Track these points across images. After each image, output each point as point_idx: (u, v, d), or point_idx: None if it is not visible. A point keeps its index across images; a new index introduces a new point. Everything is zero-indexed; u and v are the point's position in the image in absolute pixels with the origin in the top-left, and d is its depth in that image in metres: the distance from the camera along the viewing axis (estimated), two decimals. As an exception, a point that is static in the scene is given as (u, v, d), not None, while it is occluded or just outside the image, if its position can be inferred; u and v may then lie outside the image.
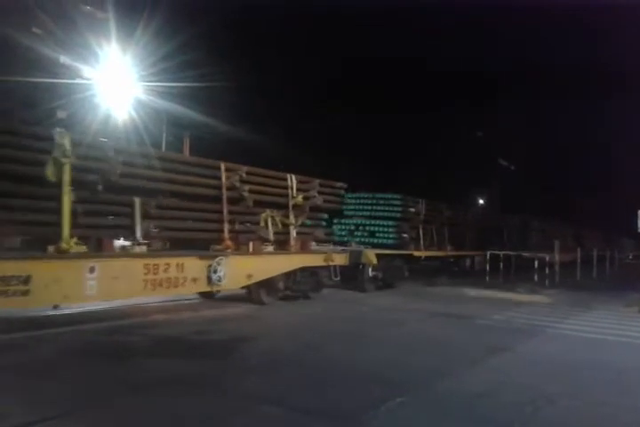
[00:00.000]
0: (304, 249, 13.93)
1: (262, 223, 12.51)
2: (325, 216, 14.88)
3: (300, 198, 13.61)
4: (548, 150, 46.19)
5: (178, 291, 10.30)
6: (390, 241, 18.30)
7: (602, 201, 49.84)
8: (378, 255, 16.22)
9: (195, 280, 10.41)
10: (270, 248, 12.89)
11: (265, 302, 12.52)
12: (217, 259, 10.82)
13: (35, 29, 16.77)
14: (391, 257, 17.46)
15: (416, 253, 19.07)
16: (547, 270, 20.64)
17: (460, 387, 6.39)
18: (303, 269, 13.49)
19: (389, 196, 19.32)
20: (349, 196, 18.65)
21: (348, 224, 19.15)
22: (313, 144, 30.22)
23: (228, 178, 11.72)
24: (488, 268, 21.42)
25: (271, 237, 12.60)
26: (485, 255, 22.85)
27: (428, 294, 16.76)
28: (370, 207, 19.38)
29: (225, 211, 11.57)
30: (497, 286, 18.41)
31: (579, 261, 24.09)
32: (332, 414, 5.42)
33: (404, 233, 18.78)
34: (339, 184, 15.40)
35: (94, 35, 16.92)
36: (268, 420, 5.27)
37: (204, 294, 12.89)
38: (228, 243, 11.49)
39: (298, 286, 13.47)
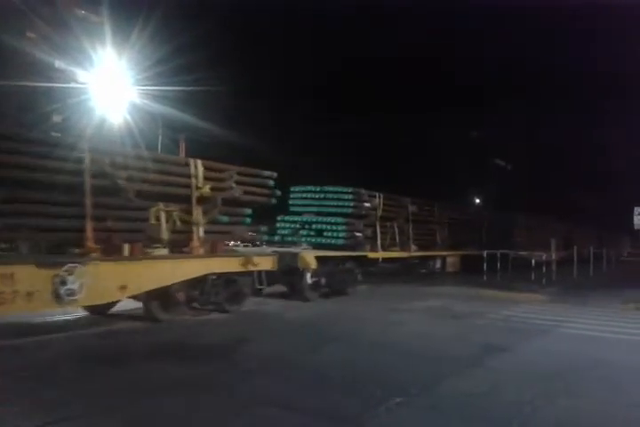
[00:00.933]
0: (216, 251, 11.38)
1: (153, 220, 10.08)
2: (248, 211, 12.40)
3: (207, 189, 11.13)
4: (545, 149, 46.27)
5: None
6: (340, 241, 15.99)
7: (599, 199, 49.93)
8: (321, 258, 14.23)
9: (30, 295, 7.81)
10: (164, 251, 10.46)
11: (160, 319, 10.15)
12: (66, 267, 8.27)
13: (29, 34, 16.77)
14: (340, 260, 15.33)
15: (371, 255, 16.90)
16: (544, 269, 20.68)
17: (458, 387, 6.40)
18: (219, 277, 11.14)
19: (339, 189, 16.98)
20: (296, 189, 17.27)
21: (295, 222, 16.85)
22: (311, 146, 30.29)
23: (94, 162, 9.22)
24: (485, 267, 21.16)
25: (164, 236, 10.23)
26: (460, 256, 22.15)
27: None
28: (318, 202, 16.94)
29: (88, 204, 9.06)
30: (494, 285, 18.39)
31: (575, 259, 24.04)
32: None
33: (358, 232, 16.56)
34: (267, 173, 13.05)
35: (89, 39, 16.91)
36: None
37: (93, 310, 10.62)
38: (91, 245, 9.06)
39: (208, 297, 11.05)
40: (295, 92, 31.47)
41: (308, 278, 13.82)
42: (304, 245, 16.15)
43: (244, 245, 18.31)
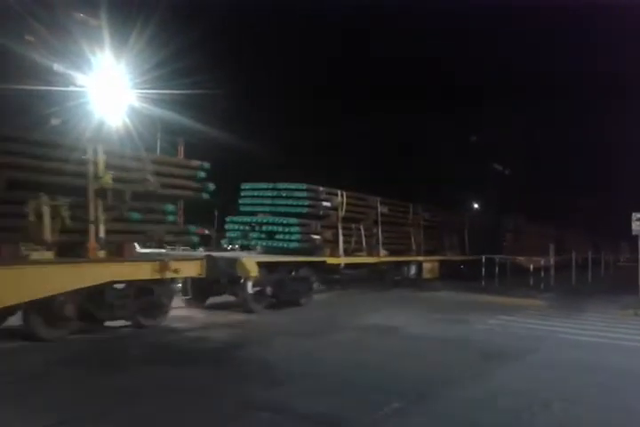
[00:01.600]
0: (123, 255, 9.57)
1: (32, 217, 8.30)
2: (170, 208, 10.85)
3: (108, 179, 9.28)
4: (544, 152, 46.33)
5: None
6: (293, 245, 14.23)
7: (597, 204, 49.90)
8: (269, 264, 12.83)
9: None
10: (48, 254, 8.61)
11: (43, 338, 8.36)
12: None
13: (28, 37, 16.79)
14: (293, 266, 13.74)
15: (331, 261, 15.08)
16: (542, 274, 20.63)
17: (456, 392, 6.37)
18: (129, 286, 9.48)
19: (293, 186, 15.18)
20: (247, 187, 15.70)
21: (245, 223, 15.12)
22: (309, 147, 30.31)
23: None
24: (484, 272, 21.04)
25: (47, 236, 8.43)
26: (439, 262, 20.83)
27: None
28: (270, 201, 15.20)
29: None
30: (487, 291, 18.36)
31: (573, 264, 23.98)
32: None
33: (315, 234, 14.84)
34: (195, 163, 11.50)
35: (88, 42, 16.93)
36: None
37: None
38: None
39: (111, 310, 9.18)
40: (293, 94, 31.50)
41: (249, 288, 12.08)
42: (259, 249, 15.02)
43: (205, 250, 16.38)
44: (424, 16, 32.88)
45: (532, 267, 21.90)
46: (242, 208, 15.51)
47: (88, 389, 6.19)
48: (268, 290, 12.59)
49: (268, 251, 14.68)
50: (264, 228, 14.70)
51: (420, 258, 20.03)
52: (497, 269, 21.16)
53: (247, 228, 14.99)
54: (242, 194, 15.62)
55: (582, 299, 16.99)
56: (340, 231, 15.79)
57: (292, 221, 14.40)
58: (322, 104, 33.00)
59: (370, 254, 17.04)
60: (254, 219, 15.00)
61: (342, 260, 15.54)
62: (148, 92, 19.16)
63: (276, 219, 14.61)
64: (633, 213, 15.69)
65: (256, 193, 15.46)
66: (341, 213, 15.86)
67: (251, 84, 27.54)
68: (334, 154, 32.59)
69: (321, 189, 15.28)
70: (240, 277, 12.10)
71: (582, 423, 5.55)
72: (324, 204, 15.31)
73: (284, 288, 13.09)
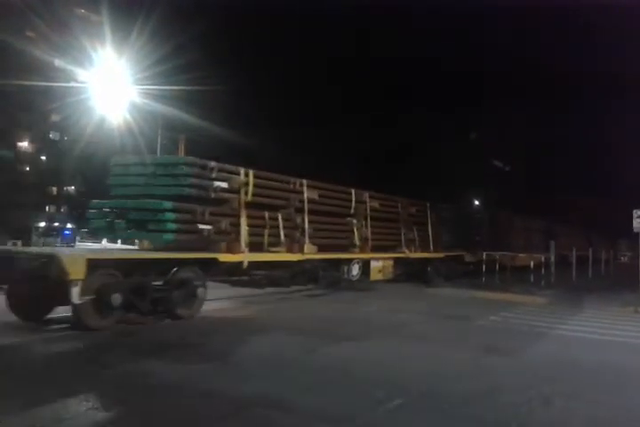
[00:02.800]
0: None
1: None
2: None
3: None
4: (543, 150, 46.39)
5: None
6: (167, 236, 10.64)
7: (598, 201, 49.90)
8: (120, 263, 9.41)
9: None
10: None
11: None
12: None
13: (29, 33, 16.80)
14: (164, 265, 10.01)
15: (226, 258, 11.21)
16: (542, 271, 20.58)
17: (457, 388, 6.37)
18: None
19: (171, 160, 12.20)
20: (119, 162, 12.00)
21: (112, 209, 11.17)
22: (309, 145, 30.30)
23: None
24: (484, 269, 20.96)
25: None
26: (393, 260, 17.25)
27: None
28: (144, 181, 11.25)
29: None
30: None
31: (574, 261, 23.92)
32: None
33: (203, 223, 11.13)
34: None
35: (89, 38, 17.00)
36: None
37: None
38: None
39: None
40: (294, 92, 31.53)
41: (75, 296, 8.48)
42: (140, 244, 12.35)
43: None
44: (424, 16, 32.93)
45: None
46: (113, 190, 11.67)
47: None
48: (115, 299, 8.93)
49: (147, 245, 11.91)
50: (131, 215, 10.94)
51: (365, 255, 16.16)
52: (497, 266, 21.10)
53: (111, 215, 11.26)
54: (112, 172, 11.91)
55: (583, 296, 16.99)
56: (244, 220, 12.15)
57: (166, 205, 10.62)
58: (322, 102, 33.02)
59: (290, 250, 13.33)
60: (118, 203, 11.32)
61: (245, 257, 11.84)
62: (149, 87, 19.19)
63: (144, 202, 10.89)
64: (634, 211, 15.66)
65: (128, 170, 11.75)
66: (246, 198, 12.33)
67: (251, 80, 27.51)
68: (336, 153, 32.60)
69: (212, 164, 11.70)
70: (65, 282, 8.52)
71: (582, 420, 5.55)
72: (218, 184, 11.75)
73: (144, 296, 9.58)
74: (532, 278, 20.35)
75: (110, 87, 18.58)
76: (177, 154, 18.53)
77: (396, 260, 17.64)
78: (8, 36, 15.54)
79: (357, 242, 16.01)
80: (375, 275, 16.56)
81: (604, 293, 18.31)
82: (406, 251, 18.15)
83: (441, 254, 19.42)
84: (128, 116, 19.48)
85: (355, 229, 15.97)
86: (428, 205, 20.28)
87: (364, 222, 16.40)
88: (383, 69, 36.50)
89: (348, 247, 15.86)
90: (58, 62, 16.65)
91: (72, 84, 16.74)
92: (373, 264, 16.52)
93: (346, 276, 15.46)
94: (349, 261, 15.59)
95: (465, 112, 37.79)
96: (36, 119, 15.04)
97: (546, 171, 47.97)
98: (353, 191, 16.10)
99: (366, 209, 16.54)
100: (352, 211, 16.02)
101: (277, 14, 29.28)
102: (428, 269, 18.95)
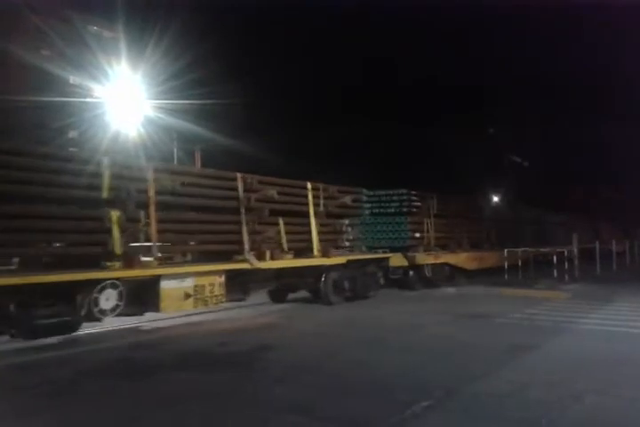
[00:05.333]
0: None
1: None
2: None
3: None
4: (565, 143, 45.94)
5: None
6: None
7: (621, 193, 49.25)
8: None
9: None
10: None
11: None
12: None
13: (44, 51, 17.07)
14: None
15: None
16: (566, 265, 20.15)
17: (485, 387, 6.31)
18: None
19: None
20: None
21: None
22: (326, 152, 30.44)
23: None
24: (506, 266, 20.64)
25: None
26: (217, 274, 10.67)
27: None
28: None
29: None
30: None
31: (597, 255, 23.28)
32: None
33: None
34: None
35: (104, 54, 17.18)
36: None
37: None
38: None
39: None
40: (308, 102, 31.73)
41: None
42: None
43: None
44: (436, 15, 33.06)
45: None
46: None
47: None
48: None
49: None
50: None
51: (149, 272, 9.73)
52: (520, 261, 20.84)
53: None
54: None
55: (608, 289, 16.73)
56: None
57: None
58: (335, 104, 33.23)
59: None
60: None
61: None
62: (163, 102, 19.39)
63: None
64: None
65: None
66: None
67: (264, 93, 27.74)
68: (351, 157, 32.71)
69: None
70: None
71: (614, 416, 5.46)
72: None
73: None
74: (555, 273, 20.05)
75: (125, 102, 18.80)
76: (193, 165, 18.77)
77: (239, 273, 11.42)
78: (25, 54, 15.80)
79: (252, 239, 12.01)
80: (172, 304, 9.96)
81: (630, 285, 17.96)
82: (250, 258, 11.51)
83: (339, 259, 14.05)
84: (142, 130, 19.69)
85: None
86: (364, 191, 16.57)
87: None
88: (397, 70, 36.59)
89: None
90: (73, 79, 16.88)
91: (88, 99, 16.92)
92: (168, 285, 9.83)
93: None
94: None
95: (480, 108, 37.93)
96: (52, 135, 15.26)
97: (564, 162, 47.37)
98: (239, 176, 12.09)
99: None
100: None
101: (290, 27, 29.65)
102: (322, 283, 13.46)
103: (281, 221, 12.93)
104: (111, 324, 10.57)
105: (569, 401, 5.70)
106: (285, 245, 12.84)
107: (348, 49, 33.97)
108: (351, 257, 14.68)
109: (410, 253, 17.49)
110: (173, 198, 10.38)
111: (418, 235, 18.39)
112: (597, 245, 23.66)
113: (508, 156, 45.42)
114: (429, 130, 35.34)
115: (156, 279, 9.59)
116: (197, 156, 18.50)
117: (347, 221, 15.19)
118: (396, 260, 16.80)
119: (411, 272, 17.53)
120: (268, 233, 12.51)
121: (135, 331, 10.48)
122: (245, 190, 11.92)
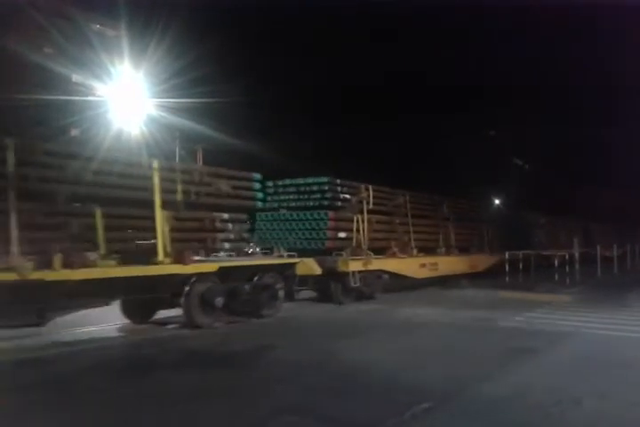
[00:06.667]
0: None
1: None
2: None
3: None
4: (561, 146, 45.89)
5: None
6: None
7: (619, 196, 49.15)
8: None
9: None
10: None
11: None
12: None
13: (47, 49, 17.03)
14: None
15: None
16: (567, 268, 20.20)
17: (486, 390, 6.33)
18: None
19: None
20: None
21: None
22: (326, 151, 30.38)
23: None
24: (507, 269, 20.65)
25: None
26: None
27: None
28: None
29: None
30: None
31: (598, 258, 23.39)
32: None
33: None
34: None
35: (106, 52, 17.13)
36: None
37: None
38: None
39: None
40: (309, 101, 31.70)
41: None
42: None
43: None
44: (437, 16, 32.97)
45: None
46: None
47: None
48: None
49: None
50: None
51: None
52: (521, 264, 20.89)
53: None
54: None
55: (609, 293, 16.78)
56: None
57: None
58: (335, 106, 33.18)
59: None
60: None
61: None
62: (165, 100, 19.35)
63: None
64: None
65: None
66: None
67: (266, 92, 27.72)
68: (354, 158, 32.66)
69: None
70: None
71: (613, 421, 5.48)
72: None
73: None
74: (556, 277, 20.12)
75: (128, 101, 18.75)
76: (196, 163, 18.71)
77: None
78: (27, 52, 15.77)
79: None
80: None
81: (631, 289, 18.01)
82: (19, 265, 8.46)
83: (204, 267, 11.30)
84: (145, 129, 19.66)
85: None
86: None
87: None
88: (397, 70, 36.48)
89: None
90: (76, 77, 16.84)
91: (90, 98, 16.88)
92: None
93: None
94: None
95: (480, 110, 37.80)
96: (54, 133, 15.21)
97: (566, 165, 47.34)
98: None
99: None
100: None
101: (294, 25, 29.61)
102: (183, 299, 10.98)
103: (98, 212, 9.68)
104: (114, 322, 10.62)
105: (569, 405, 5.71)
106: (103, 246, 9.62)
107: (348, 49, 33.86)
108: (226, 264, 11.31)
109: (330, 258, 14.37)
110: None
111: (343, 235, 15.14)
112: (598, 248, 23.74)
113: (510, 157, 45.35)
114: (429, 130, 35.24)
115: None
116: (199, 154, 18.47)
117: (226, 216, 11.95)
118: (306, 266, 13.43)
119: (332, 283, 14.37)
120: (71, 228, 8.98)
121: (135, 330, 10.50)
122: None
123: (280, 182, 15.76)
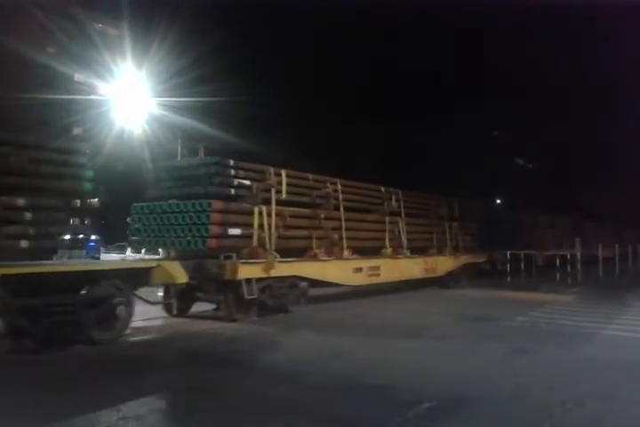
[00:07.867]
0: None
1: None
2: None
3: None
4: (562, 147, 45.89)
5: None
6: None
7: (620, 197, 49.20)
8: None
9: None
10: None
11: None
12: None
13: (49, 48, 17.07)
14: None
15: None
16: (569, 268, 20.20)
17: (488, 390, 6.35)
18: None
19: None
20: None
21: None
22: (324, 148, 30.41)
23: None
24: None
25: None
26: None
27: None
28: None
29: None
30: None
31: (600, 258, 23.33)
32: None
33: None
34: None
35: (108, 51, 17.15)
36: None
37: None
38: None
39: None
40: (309, 100, 31.73)
41: None
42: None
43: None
44: (439, 16, 32.99)
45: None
46: None
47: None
48: None
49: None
50: None
51: None
52: (522, 264, 20.84)
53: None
54: None
55: (611, 293, 16.78)
56: None
57: None
58: (338, 104, 33.18)
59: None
60: None
61: None
62: (167, 99, 19.42)
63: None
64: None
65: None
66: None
67: (268, 90, 27.74)
68: (356, 156, 32.69)
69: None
70: None
71: (617, 421, 5.50)
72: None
73: None
74: (558, 277, 20.14)
75: (130, 99, 18.81)
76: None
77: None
78: (29, 51, 15.78)
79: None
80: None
81: (633, 289, 18.03)
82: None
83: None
84: (147, 128, 19.70)
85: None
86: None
87: None
88: (397, 69, 36.48)
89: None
90: (78, 76, 16.86)
91: (92, 97, 16.91)
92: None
93: None
94: None
95: (481, 110, 37.85)
96: (57, 132, 15.21)
97: (569, 166, 47.31)
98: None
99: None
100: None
101: (296, 24, 29.64)
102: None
103: None
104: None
105: (571, 405, 5.74)
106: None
107: (349, 48, 33.87)
108: (13, 270, 7.69)
109: (211, 261, 11.17)
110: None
111: (236, 232, 11.76)
112: (600, 248, 23.75)
113: (510, 157, 45.38)
114: (430, 130, 35.28)
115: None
116: (201, 152, 18.52)
117: (21, 201, 8.63)
118: (165, 273, 9.98)
119: (223, 294, 11.41)
120: None
121: (135, 329, 10.53)
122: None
123: (164, 165, 13.07)
